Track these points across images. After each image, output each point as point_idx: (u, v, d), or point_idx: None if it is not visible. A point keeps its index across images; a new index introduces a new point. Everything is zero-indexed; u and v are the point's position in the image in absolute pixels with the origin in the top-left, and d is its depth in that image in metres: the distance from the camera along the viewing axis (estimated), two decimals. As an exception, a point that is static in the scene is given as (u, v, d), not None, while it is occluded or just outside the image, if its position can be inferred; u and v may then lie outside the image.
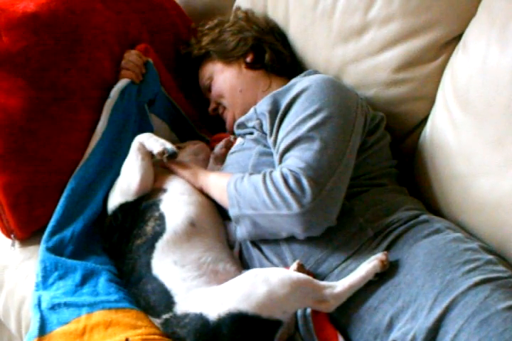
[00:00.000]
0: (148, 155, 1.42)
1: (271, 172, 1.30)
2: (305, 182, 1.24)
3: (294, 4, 1.68)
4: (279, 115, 1.40)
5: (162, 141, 1.43)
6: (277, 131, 1.39)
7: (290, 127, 1.34)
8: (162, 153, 1.39)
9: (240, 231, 1.34)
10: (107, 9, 1.62)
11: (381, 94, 1.55)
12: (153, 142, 1.42)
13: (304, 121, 1.33)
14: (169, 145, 1.41)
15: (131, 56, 1.61)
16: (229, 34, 1.71)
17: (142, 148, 1.42)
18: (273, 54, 1.69)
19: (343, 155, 1.30)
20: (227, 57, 1.70)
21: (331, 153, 1.29)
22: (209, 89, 1.74)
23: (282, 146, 1.34)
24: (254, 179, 1.31)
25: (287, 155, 1.32)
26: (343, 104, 1.37)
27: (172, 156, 1.41)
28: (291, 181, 1.25)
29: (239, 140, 1.58)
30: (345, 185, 1.31)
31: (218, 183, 1.39)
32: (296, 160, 1.28)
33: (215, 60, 1.73)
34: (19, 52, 1.41)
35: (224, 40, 1.71)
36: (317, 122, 1.32)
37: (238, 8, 1.83)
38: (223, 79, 1.70)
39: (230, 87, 1.68)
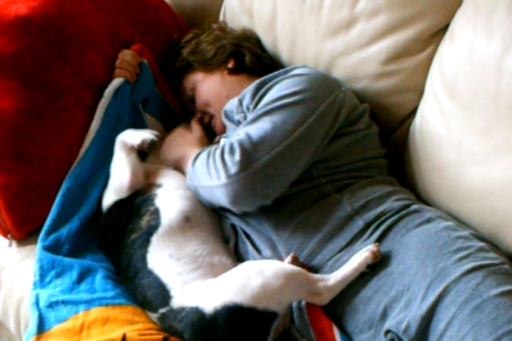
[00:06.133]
0: (132, 150, 1.42)
1: (217, 147, 1.35)
2: (238, 153, 1.28)
3: (281, 0, 1.68)
4: (253, 104, 1.43)
5: (140, 132, 1.43)
6: None
7: (254, 113, 1.39)
8: (142, 144, 1.40)
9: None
10: (98, 10, 1.63)
11: (370, 87, 1.56)
12: (132, 136, 1.42)
13: (264, 106, 1.38)
14: (147, 135, 1.41)
15: (126, 56, 1.61)
16: (206, 44, 1.71)
17: (125, 144, 1.43)
18: (253, 57, 1.69)
19: (288, 137, 1.32)
20: (208, 65, 1.69)
21: (276, 133, 1.32)
22: (192, 100, 1.72)
23: (238, 129, 1.39)
24: (206, 153, 1.36)
25: (238, 132, 1.37)
26: (308, 94, 1.38)
27: (152, 144, 1.40)
28: (227, 152, 1.30)
29: (222, 140, 1.56)
30: (287, 166, 1.32)
31: (188, 157, 1.44)
32: (241, 133, 1.33)
33: (196, 70, 1.71)
34: (11, 55, 1.41)
35: (202, 50, 1.71)
36: (273, 107, 1.36)
37: (210, 21, 1.81)
38: (207, 87, 1.68)
39: (215, 94, 1.67)
